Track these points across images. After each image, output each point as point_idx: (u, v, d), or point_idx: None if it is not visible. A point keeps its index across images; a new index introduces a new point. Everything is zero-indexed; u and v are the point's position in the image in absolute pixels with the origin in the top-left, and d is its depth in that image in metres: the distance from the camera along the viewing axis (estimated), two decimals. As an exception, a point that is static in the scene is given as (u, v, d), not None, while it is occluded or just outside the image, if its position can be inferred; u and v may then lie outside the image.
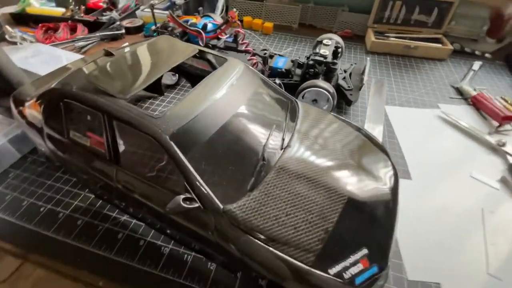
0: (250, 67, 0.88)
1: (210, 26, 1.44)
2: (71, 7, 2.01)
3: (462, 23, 1.93)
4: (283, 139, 0.76)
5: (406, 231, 0.89)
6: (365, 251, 0.61)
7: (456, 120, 1.32)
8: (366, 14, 1.99)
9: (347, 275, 0.57)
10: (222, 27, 1.39)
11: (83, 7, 2.02)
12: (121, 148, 0.69)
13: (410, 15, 1.91)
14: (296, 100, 0.94)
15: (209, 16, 1.55)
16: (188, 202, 0.60)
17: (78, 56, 1.51)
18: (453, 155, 1.18)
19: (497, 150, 1.20)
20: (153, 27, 1.50)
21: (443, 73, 1.73)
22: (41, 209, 0.92)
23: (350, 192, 0.69)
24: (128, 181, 0.69)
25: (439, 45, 1.85)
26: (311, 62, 1.33)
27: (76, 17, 1.95)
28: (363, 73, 1.47)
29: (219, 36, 1.48)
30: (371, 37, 1.88)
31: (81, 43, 1.77)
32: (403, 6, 1.88)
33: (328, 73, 1.32)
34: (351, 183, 0.72)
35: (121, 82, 0.71)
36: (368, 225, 0.67)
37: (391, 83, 1.62)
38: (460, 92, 1.56)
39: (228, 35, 1.51)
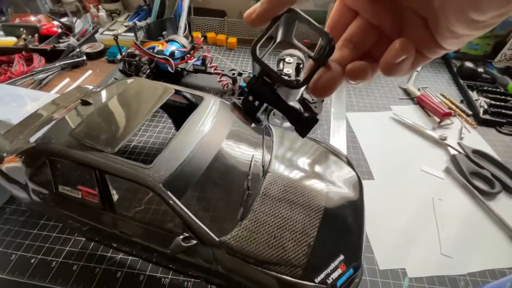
0: (224, 101, 0.96)
1: (177, 53, 1.49)
2: (23, 36, 1.91)
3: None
4: (263, 166, 0.86)
5: (375, 227, 1.04)
6: (341, 257, 0.73)
7: (405, 120, 1.52)
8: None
9: (329, 280, 0.69)
10: (190, 54, 1.45)
11: (36, 35, 1.93)
12: (115, 197, 0.74)
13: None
14: (269, 125, 1.04)
15: (174, 41, 1.59)
16: (187, 241, 0.68)
17: (40, 94, 1.46)
18: (407, 153, 1.37)
19: (440, 143, 1.41)
20: (119, 57, 1.50)
21: (392, 75, 1.95)
22: (32, 261, 0.92)
23: (323, 206, 0.81)
24: (126, 226, 0.74)
25: (387, 50, 2.06)
26: (277, 80, 1.44)
27: (31, 46, 1.86)
28: (324, 84, 1.61)
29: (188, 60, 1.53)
30: (327, 46, 2.04)
31: (40, 76, 1.70)
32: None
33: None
34: (323, 196, 0.84)
35: (106, 135, 0.75)
36: (342, 233, 0.79)
37: (349, 89, 1.79)
38: (407, 92, 1.78)
39: (196, 59, 1.57)
